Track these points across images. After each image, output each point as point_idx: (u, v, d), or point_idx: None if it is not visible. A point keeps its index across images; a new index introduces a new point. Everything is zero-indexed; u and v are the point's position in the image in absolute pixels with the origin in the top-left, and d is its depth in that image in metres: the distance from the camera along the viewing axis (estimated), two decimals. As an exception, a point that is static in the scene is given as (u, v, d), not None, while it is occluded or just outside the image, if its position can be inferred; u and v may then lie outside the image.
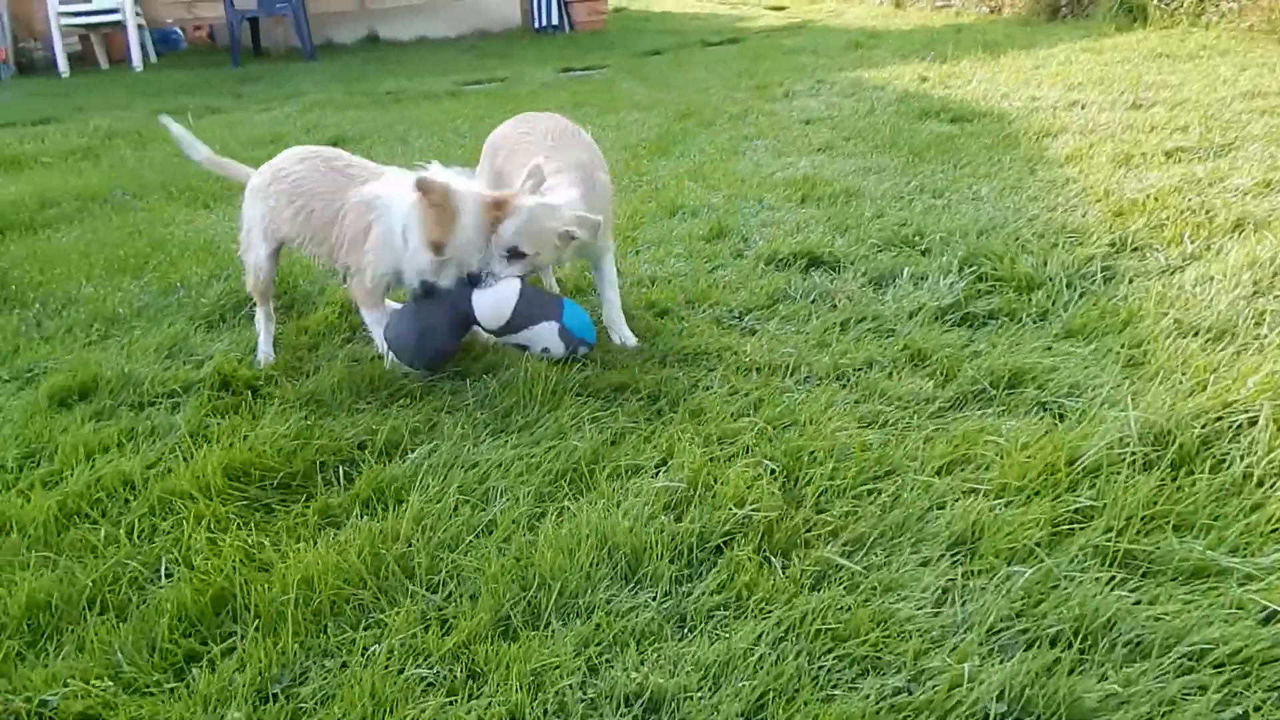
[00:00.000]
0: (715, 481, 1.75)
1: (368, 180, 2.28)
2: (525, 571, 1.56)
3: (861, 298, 2.56)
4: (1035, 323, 2.35)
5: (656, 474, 1.79)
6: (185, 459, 1.96)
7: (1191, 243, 2.70)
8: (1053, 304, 2.43)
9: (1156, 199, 3.10)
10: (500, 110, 6.04)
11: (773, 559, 1.55)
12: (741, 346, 2.29)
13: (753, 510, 1.66)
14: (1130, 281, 2.50)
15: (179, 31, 11.18)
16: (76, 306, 2.89)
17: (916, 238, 2.96)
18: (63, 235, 3.65)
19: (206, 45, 11.59)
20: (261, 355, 2.46)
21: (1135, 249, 2.74)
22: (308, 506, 1.79)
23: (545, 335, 2.23)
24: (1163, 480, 1.66)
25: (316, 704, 1.36)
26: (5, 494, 1.90)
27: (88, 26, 9.19)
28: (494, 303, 2.16)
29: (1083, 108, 4.69)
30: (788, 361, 2.18)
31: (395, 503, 1.78)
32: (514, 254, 2.18)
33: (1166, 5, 7.00)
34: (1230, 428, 1.78)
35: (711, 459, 1.82)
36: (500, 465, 1.86)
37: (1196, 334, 2.17)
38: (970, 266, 2.68)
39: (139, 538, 1.73)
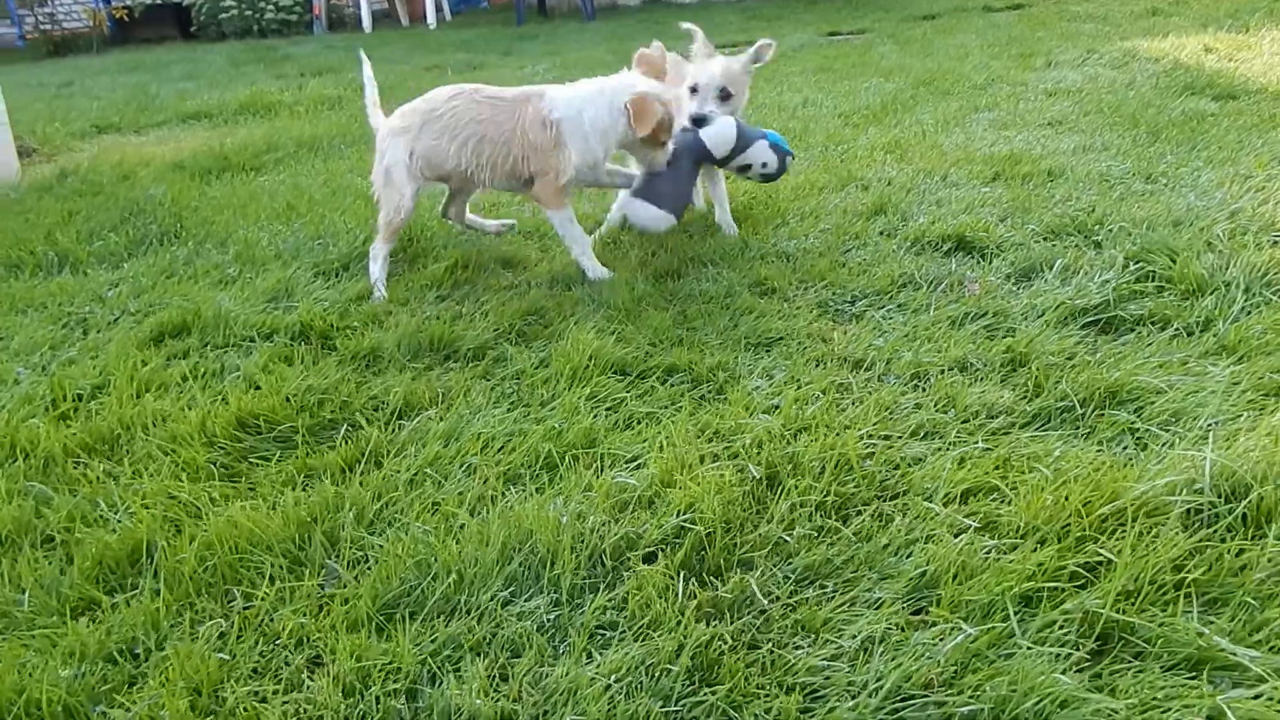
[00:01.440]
0: (677, 484, 1.63)
1: (528, 99, 2.60)
2: (430, 559, 1.49)
3: (998, 290, 2.40)
4: (1188, 334, 2.09)
5: (628, 467, 1.70)
6: (222, 401, 2.05)
7: None
8: (1219, 313, 2.14)
9: None
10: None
11: (690, 579, 1.43)
12: (831, 335, 2.23)
13: (688, 522, 1.54)
14: (1327, 296, 2.15)
15: (481, -9, 12.19)
16: (227, 247, 3.15)
17: (1095, 226, 2.69)
18: (265, 179, 4.06)
19: (507, 3, 12.55)
20: (378, 295, 2.66)
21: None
22: (289, 464, 1.81)
23: (761, 152, 2.85)
24: (1207, 541, 1.41)
25: (147, 673, 1.34)
26: (40, 420, 2.02)
27: (395, -15, 10.31)
28: (720, 133, 2.81)
29: (1394, 90, 3.95)
30: (871, 355, 2.10)
31: (370, 468, 1.77)
32: (723, 95, 2.86)
33: None
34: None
35: (698, 458, 1.71)
36: (487, 439, 1.82)
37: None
38: (1138, 262, 2.41)
39: (122, 479, 1.79)
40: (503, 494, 1.68)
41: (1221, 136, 3.49)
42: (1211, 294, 2.22)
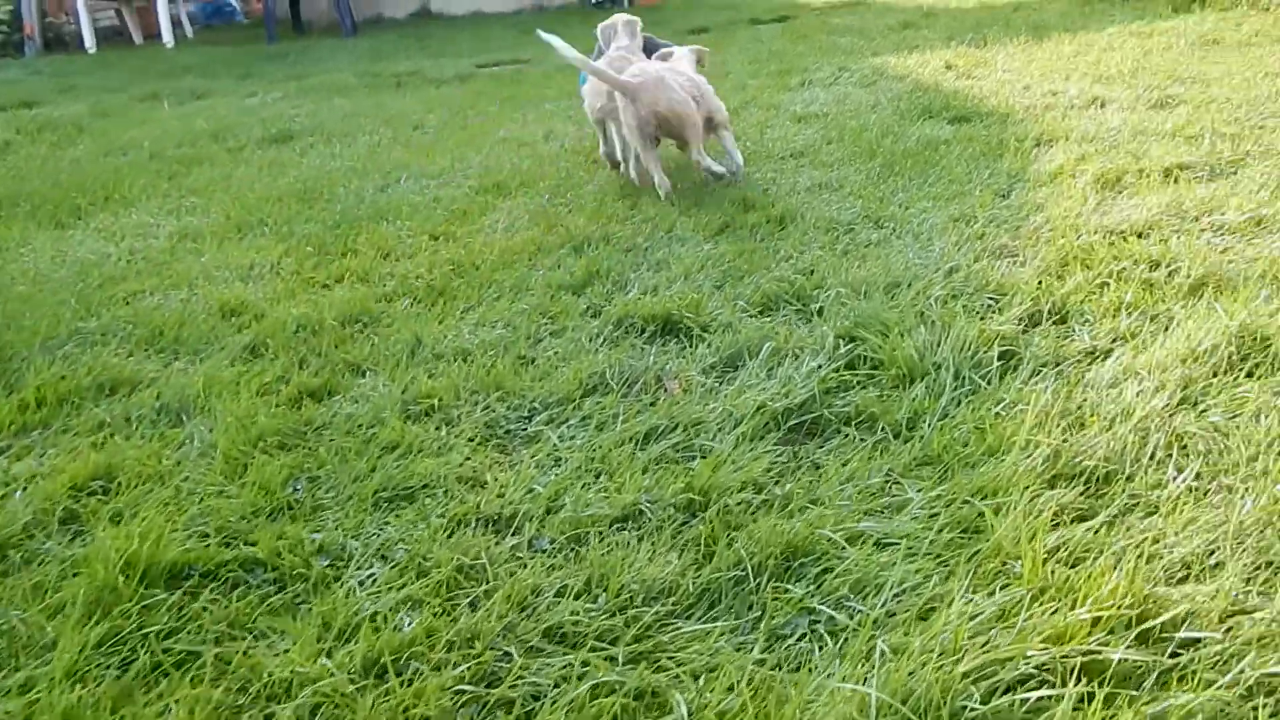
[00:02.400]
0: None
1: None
2: None
3: (698, 388, 2.02)
4: (894, 435, 1.78)
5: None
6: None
7: (1129, 315, 2.04)
8: (928, 406, 1.84)
9: (1116, 241, 2.43)
10: (494, 98, 5.63)
11: None
12: (487, 476, 1.75)
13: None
14: (1033, 376, 1.88)
15: (234, 4, 11.14)
16: None
17: (814, 291, 2.38)
18: None
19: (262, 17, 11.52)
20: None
21: (1061, 318, 2.10)
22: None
23: None
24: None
25: None
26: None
27: (118, 1, 9.17)
28: None
29: (1101, 106, 3.96)
30: (526, 507, 1.64)
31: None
32: None
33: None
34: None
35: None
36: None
37: (1071, 481, 1.56)
38: (850, 340, 2.09)
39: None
40: None
41: (952, 167, 3.30)
42: (922, 380, 1.92)
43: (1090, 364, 1.90)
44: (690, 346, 2.20)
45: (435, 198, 3.55)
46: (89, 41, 9.00)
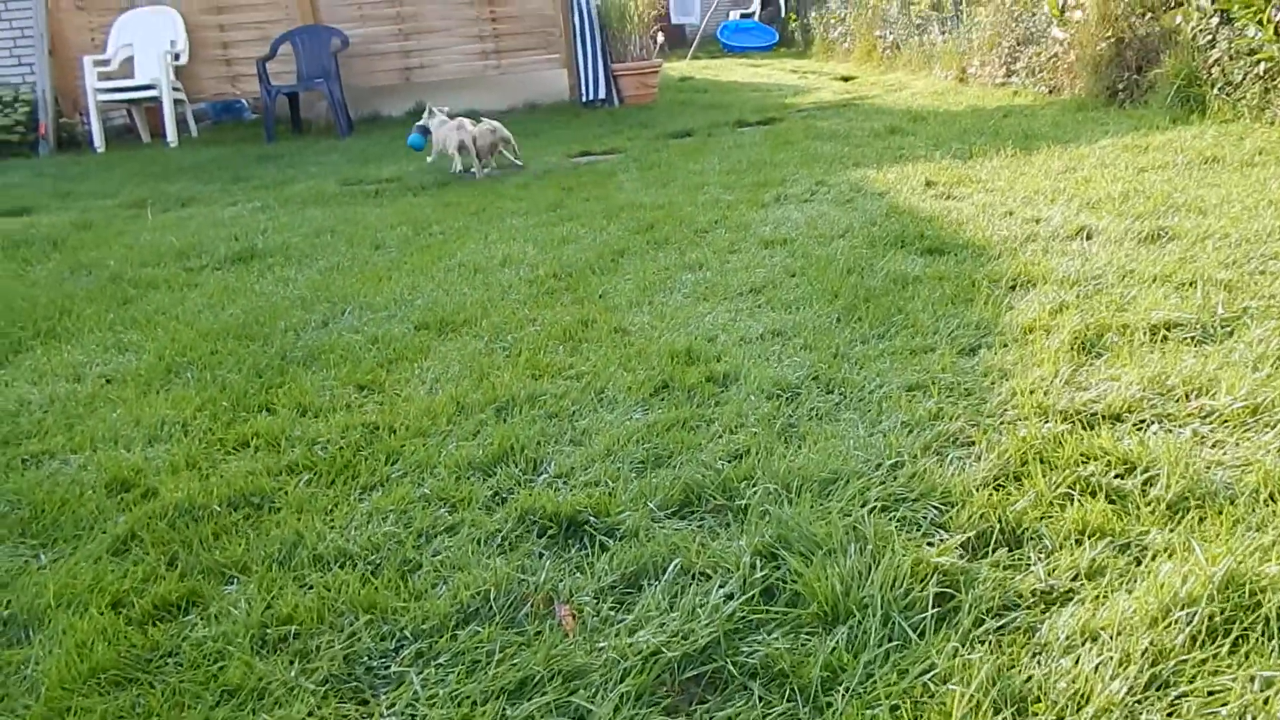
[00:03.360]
0: None
1: None
2: None
3: (590, 616, 1.72)
4: (804, 706, 1.46)
5: None
6: None
7: (1093, 543, 1.72)
8: (848, 663, 1.52)
9: (1087, 432, 2.12)
10: (464, 210, 5.45)
11: None
12: None
13: None
14: (974, 627, 1.56)
15: (243, 102, 11.20)
16: None
17: (741, 484, 2.08)
18: None
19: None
20: None
21: (1013, 544, 1.78)
22: None
23: None
24: None
25: None
26: None
27: (127, 102, 9.20)
28: None
29: (1087, 238, 3.67)
30: None
31: None
32: None
33: (1228, 96, 5.77)
34: None
35: None
36: None
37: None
38: (771, 560, 1.79)
39: None
40: None
41: (917, 314, 3.03)
42: (845, 623, 1.61)
43: (1044, 613, 1.58)
44: (592, 555, 1.90)
45: (374, 337, 3.31)
46: (98, 141, 9.01)
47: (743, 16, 16.38)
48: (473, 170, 6.51)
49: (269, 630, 1.77)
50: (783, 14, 16.20)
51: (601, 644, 1.64)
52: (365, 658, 1.69)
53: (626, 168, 6.58)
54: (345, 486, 2.28)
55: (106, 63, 9.09)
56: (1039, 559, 1.70)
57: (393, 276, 4.12)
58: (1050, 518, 1.82)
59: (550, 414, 2.57)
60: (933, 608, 1.59)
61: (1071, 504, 1.84)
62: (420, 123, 6.69)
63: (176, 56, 9.26)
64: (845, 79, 11.48)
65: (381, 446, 2.46)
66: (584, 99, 9.91)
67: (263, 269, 4.39)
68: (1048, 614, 1.56)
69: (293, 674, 1.65)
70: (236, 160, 8.12)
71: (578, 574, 1.85)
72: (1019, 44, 8.53)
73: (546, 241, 4.56)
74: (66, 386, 3.04)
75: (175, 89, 9.14)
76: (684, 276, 3.82)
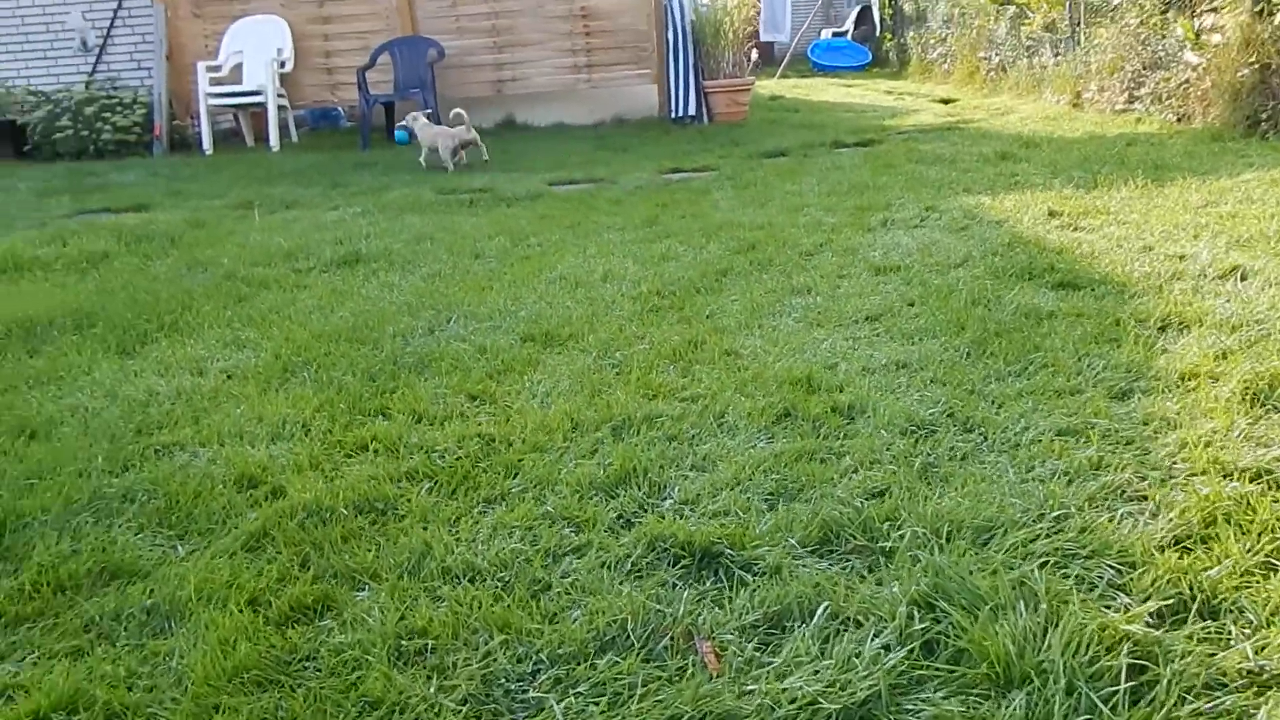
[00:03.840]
0: None
1: None
2: None
3: (734, 655, 1.63)
4: (984, 779, 1.34)
5: None
6: None
7: None
8: (1030, 733, 1.40)
9: (1275, 492, 1.94)
10: (561, 223, 5.43)
11: None
12: None
13: None
14: (1179, 707, 1.41)
15: (340, 109, 11.46)
16: None
17: (884, 525, 1.97)
18: None
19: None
20: None
21: (1209, 615, 1.62)
22: None
23: None
24: None
25: None
26: None
27: (235, 107, 9.48)
28: None
29: (1242, 279, 3.43)
30: None
31: None
32: None
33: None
34: None
35: None
36: None
37: None
38: (927, 611, 1.67)
39: None
40: None
41: (1057, 353, 2.87)
42: (1022, 688, 1.48)
43: (1257, 696, 1.42)
44: (730, 590, 1.81)
45: (481, 347, 3.27)
46: (207, 144, 9.31)
47: (835, 35, 16.21)
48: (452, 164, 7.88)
49: (404, 642, 1.72)
50: (878, 33, 15.97)
51: (750, 687, 1.54)
52: (503, 679, 1.62)
53: (721, 186, 6.50)
54: (467, 498, 2.23)
55: (218, 68, 9.40)
56: (1242, 635, 1.55)
57: (494, 286, 4.10)
58: (1250, 588, 1.65)
59: (669, 436, 2.49)
60: (1125, 682, 1.45)
61: (1275, 575, 1.67)
62: (403, 123, 8.14)
63: (282, 64, 9.52)
64: (945, 101, 11.23)
65: (499, 459, 2.41)
66: (673, 115, 9.87)
67: (367, 273, 4.42)
68: (1262, 698, 1.41)
69: (431, 690, 1.59)
70: (334, 166, 8.29)
71: (716, 609, 1.76)
72: (1144, 68, 8.17)
73: (646, 258, 4.50)
74: (191, 380, 3.08)
75: (280, 95, 9.39)
76: (792, 300, 3.71)
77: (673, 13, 9.60)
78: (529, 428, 2.58)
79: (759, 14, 10.41)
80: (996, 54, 11.59)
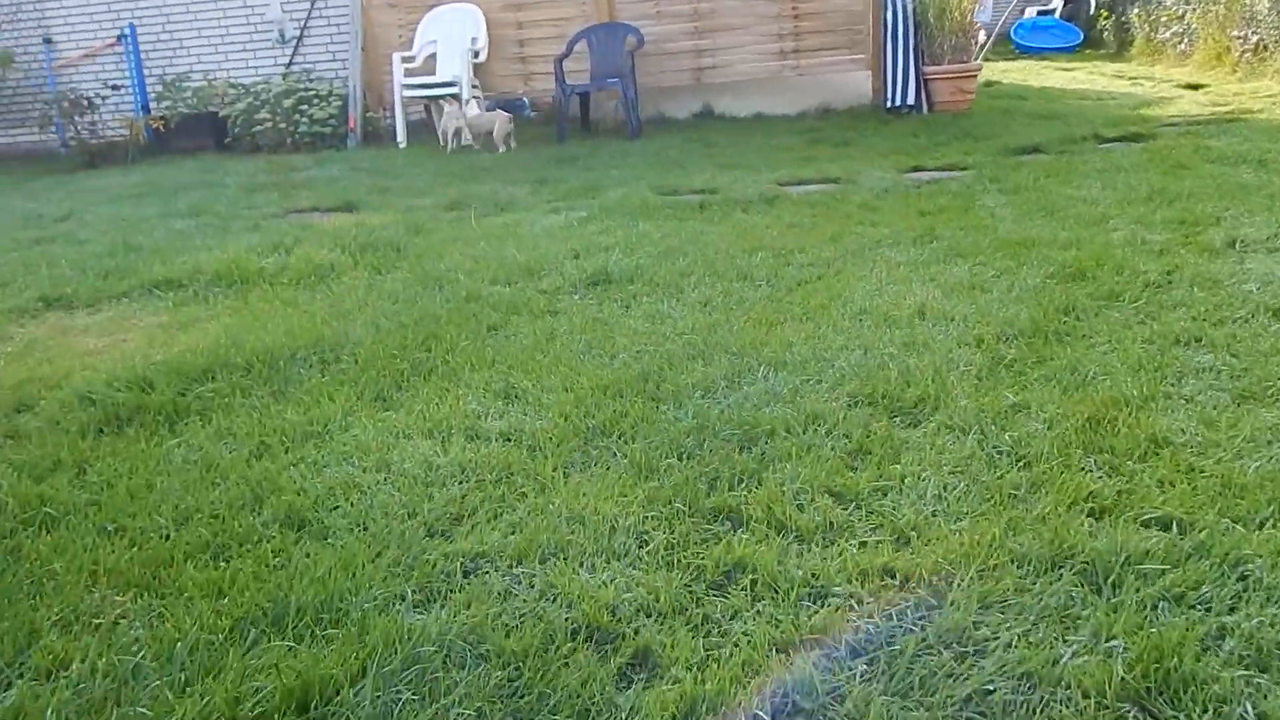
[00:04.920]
0: None
1: None
2: None
3: None
4: None
5: None
6: None
7: None
8: None
9: None
10: (817, 234, 4.72)
11: None
12: None
13: None
14: None
15: (525, 100, 11.08)
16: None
17: None
18: (177, 444, 2.78)
19: (551, 111, 11.43)
20: None
21: None
22: None
23: None
24: None
25: None
26: None
27: (429, 98, 9.18)
28: None
29: None
30: None
31: None
32: None
33: None
34: None
35: None
36: None
37: None
38: None
39: None
40: None
41: None
42: None
43: None
44: None
45: (811, 414, 2.61)
46: (400, 136, 9.08)
47: (1040, 13, 14.70)
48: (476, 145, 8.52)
49: None
50: (1091, 10, 14.37)
51: None
52: None
53: (985, 189, 5.61)
54: (924, 697, 1.55)
55: (412, 59, 9.12)
56: None
57: (784, 321, 3.43)
58: None
59: (1172, 596, 1.74)
60: None
61: None
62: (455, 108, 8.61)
63: (476, 54, 9.15)
64: (1192, 87, 9.81)
65: (930, 619, 1.73)
66: (889, 104, 8.93)
67: (625, 298, 3.83)
68: None
69: None
70: (533, 161, 7.84)
71: None
72: None
73: (950, 285, 3.73)
74: (470, 450, 2.53)
75: (474, 86, 9.03)
76: (1185, 356, 2.88)
77: (892, -9, 8.66)
78: (942, 559, 1.89)
79: (983, -9, 9.29)
80: (1254, 32, 10.03)
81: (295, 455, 2.52)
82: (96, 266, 4.69)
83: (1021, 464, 2.26)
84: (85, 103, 9.87)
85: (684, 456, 2.41)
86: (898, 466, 2.30)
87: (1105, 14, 13.95)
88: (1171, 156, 6.13)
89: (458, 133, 8.58)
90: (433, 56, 9.26)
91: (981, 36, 9.80)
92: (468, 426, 2.66)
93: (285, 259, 4.71)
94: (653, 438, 2.51)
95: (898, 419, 2.59)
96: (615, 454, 2.44)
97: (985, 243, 4.35)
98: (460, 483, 2.35)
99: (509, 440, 2.58)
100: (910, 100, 8.84)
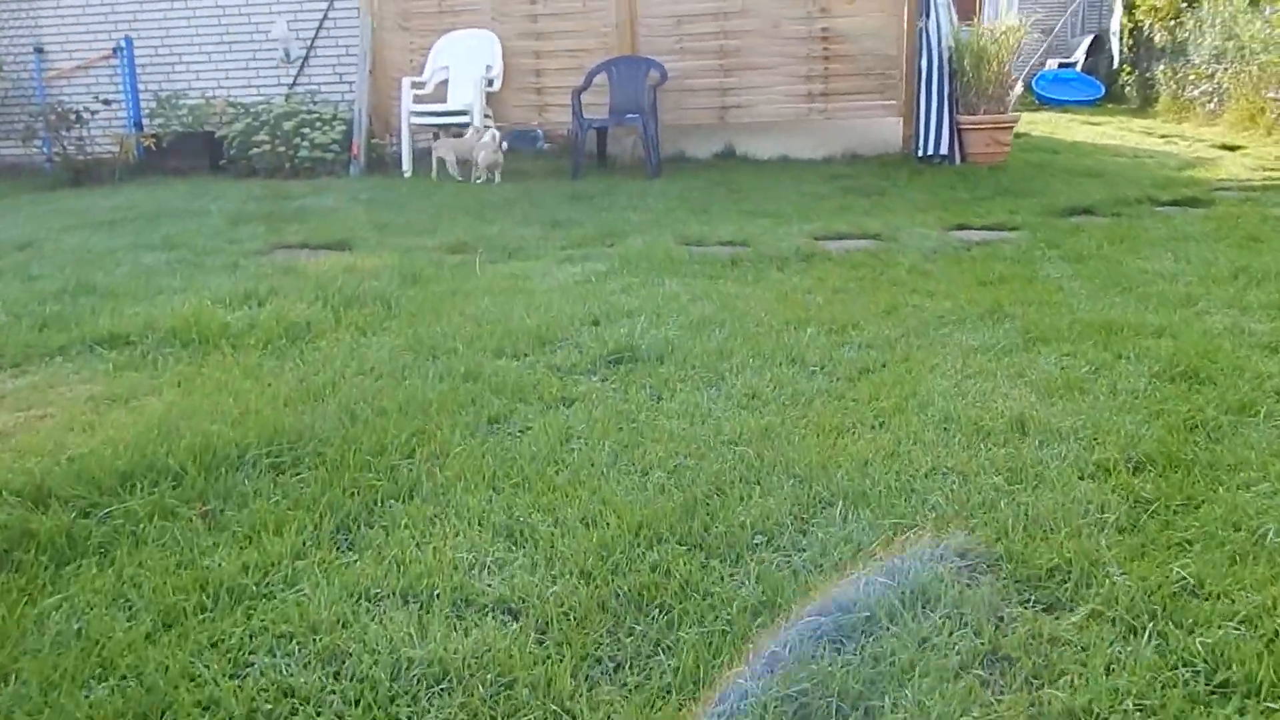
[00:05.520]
0: None
1: None
2: None
3: None
4: None
5: None
6: None
7: None
8: None
9: None
10: (868, 304, 4.06)
11: None
12: None
13: None
14: None
15: (539, 131, 10.46)
16: None
17: None
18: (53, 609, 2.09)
19: (565, 144, 10.83)
20: None
21: None
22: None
23: None
24: None
25: None
26: None
27: (438, 126, 8.54)
28: None
29: None
30: None
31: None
32: None
33: None
34: None
35: None
36: None
37: None
38: None
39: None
40: None
41: None
42: None
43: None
44: None
45: (919, 589, 1.92)
46: (406, 165, 8.43)
47: (1061, 66, 14.21)
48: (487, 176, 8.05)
49: None
50: (1114, 64, 13.87)
51: None
52: None
53: (1045, 256, 4.97)
54: None
55: (422, 84, 8.51)
56: None
57: (853, 429, 2.75)
58: None
59: None
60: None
61: None
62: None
63: (490, 82, 8.54)
64: (1229, 148, 9.24)
65: None
66: (920, 153, 8.32)
67: (656, 385, 3.14)
68: None
69: None
70: (546, 197, 7.20)
71: None
72: None
73: (1043, 385, 3.05)
74: (456, 631, 1.82)
75: (486, 116, 8.41)
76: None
77: (928, 37, 8.06)
78: None
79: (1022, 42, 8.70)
80: (1292, 93, 9.50)
81: (213, 631, 1.80)
82: (36, 313, 3.99)
83: (1222, 692, 1.57)
84: (74, 116, 9.21)
85: (750, 658, 1.72)
86: (1059, 694, 1.61)
87: (1129, 69, 13.45)
88: (1240, 227, 5.50)
89: (440, 162, 8.29)
90: (444, 83, 8.65)
91: (1019, 89, 9.23)
92: (456, 587, 1.95)
93: (255, 313, 3.99)
94: (706, 622, 1.81)
95: (1030, 597, 1.90)
96: (657, 650, 1.75)
97: (1064, 325, 3.69)
98: (440, 694, 1.64)
99: (510, 614, 1.87)
100: (944, 150, 8.22)
